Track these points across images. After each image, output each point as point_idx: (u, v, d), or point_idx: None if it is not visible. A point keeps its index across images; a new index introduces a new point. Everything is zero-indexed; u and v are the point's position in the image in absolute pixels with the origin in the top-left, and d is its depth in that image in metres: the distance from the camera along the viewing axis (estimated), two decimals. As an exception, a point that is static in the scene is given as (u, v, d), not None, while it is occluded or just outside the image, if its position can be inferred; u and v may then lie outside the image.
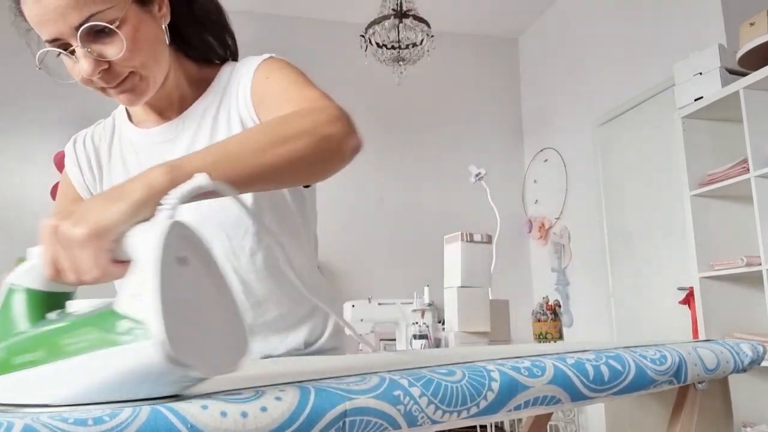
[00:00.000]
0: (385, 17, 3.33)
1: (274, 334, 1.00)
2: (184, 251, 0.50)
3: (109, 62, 0.82)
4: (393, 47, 3.46)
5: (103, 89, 0.86)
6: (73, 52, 0.81)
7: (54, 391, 0.45)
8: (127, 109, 1.03)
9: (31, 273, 0.52)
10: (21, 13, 0.80)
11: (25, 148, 3.94)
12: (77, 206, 0.53)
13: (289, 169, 0.66)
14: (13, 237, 3.57)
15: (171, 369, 0.44)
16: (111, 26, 0.79)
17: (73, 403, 0.45)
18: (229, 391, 0.45)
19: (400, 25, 3.35)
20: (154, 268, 0.46)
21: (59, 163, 3.93)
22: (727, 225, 2.68)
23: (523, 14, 4.72)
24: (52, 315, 0.51)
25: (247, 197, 0.90)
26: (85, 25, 0.77)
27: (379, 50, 3.47)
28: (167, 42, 0.89)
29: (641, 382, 0.70)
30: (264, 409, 0.43)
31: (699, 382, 0.79)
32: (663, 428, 0.83)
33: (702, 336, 2.58)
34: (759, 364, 0.85)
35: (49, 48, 0.81)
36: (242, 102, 0.93)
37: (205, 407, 0.40)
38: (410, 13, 3.33)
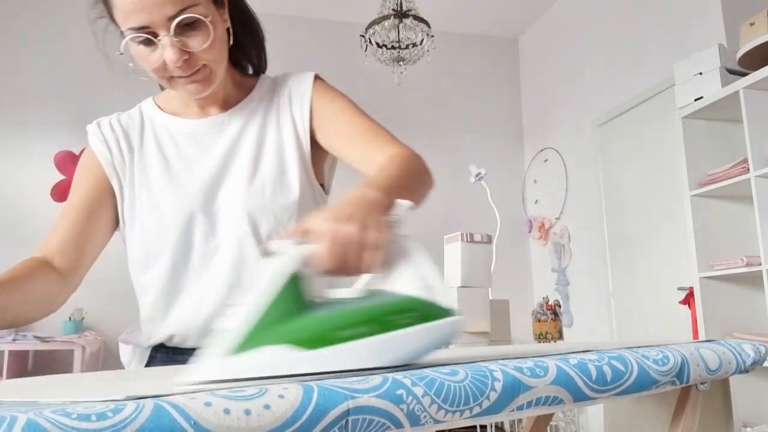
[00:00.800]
0: (385, 17, 3.33)
1: None
2: None
3: (190, 53, 0.90)
4: (393, 47, 3.46)
5: (171, 78, 0.93)
6: (148, 42, 0.88)
7: (386, 356, 0.59)
8: (156, 102, 1.08)
9: (302, 263, 0.61)
10: (105, 1, 0.88)
11: (25, 148, 3.94)
12: (355, 211, 0.65)
13: (419, 198, 0.87)
14: (13, 236, 3.57)
15: (460, 333, 0.66)
16: (205, 20, 0.88)
17: (402, 363, 0.60)
18: (232, 388, 0.44)
19: (400, 25, 3.36)
20: (433, 265, 0.66)
21: (59, 163, 3.93)
22: (727, 225, 2.68)
23: (523, 14, 4.72)
24: (319, 300, 0.62)
25: (296, 190, 1.01)
26: (180, 17, 0.86)
27: (379, 50, 3.48)
28: (229, 44, 0.98)
29: (644, 383, 0.70)
30: (267, 406, 0.43)
31: (701, 383, 0.78)
32: (662, 430, 0.83)
33: (702, 336, 2.58)
34: (761, 364, 0.85)
35: (135, 38, 0.87)
36: (297, 106, 1.03)
37: (208, 404, 0.40)
38: (410, 13, 3.34)
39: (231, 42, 0.97)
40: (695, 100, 2.70)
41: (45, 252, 0.96)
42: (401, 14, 3.32)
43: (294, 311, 0.58)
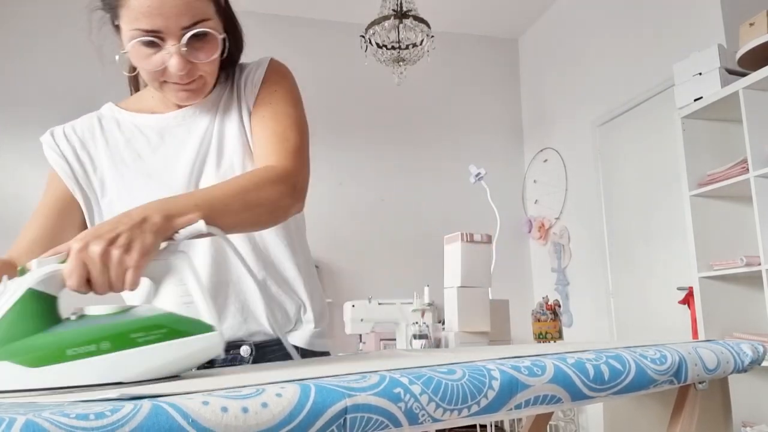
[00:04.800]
0: (385, 18, 3.33)
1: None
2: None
3: (192, 63, 0.92)
4: (393, 47, 3.46)
5: (164, 83, 0.94)
6: (153, 44, 0.88)
7: (128, 372, 0.60)
8: (119, 105, 1.08)
9: (48, 281, 0.62)
10: None
11: (24, 147, 3.94)
12: (109, 228, 0.67)
13: (249, 226, 0.88)
14: (11, 236, 3.56)
15: (221, 349, 0.68)
16: (217, 36, 0.91)
17: (146, 378, 0.61)
18: (230, 387, 0.45)
19: (400, 25, 3.36)
20: (201, 286, 0.69)
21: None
22: (726, 225, 2.68)
23: (523, 14, 4.72)
24: (71, 316, 0.63)
25: None
26: (194, 30, 0.88)
27: (379, 50, 3.48)
28: (223, 55, 0.98)
29: (641, 382, 0.70)
30: (265, 405, 0.43)
31: (699, 382, 0.79)
32: (661, 429, 0.83)
33: (702, 336, 2.58)
34: (759, 364, 0.85)
35: (141, 39, 0.87)
36: (250, 95, 1.03)
37: (206, 403, 0.40)
38: (410, 13, 3.33)
39: (226, 54, 0.97)
40: (695, 100, 2.70)
41: (13, 254, 0.95)
42: (401, 14, 3.32)
43: (30, 329, 0.59)
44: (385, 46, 3.45)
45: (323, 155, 4.28)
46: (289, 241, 1.05)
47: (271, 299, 1.03)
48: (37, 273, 0.62)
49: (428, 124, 4.71)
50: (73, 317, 0.63)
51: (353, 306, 2.32)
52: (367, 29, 3.43)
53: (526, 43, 4.99)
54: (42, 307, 0.61)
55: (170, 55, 0.89)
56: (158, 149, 1.02)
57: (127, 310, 0.66)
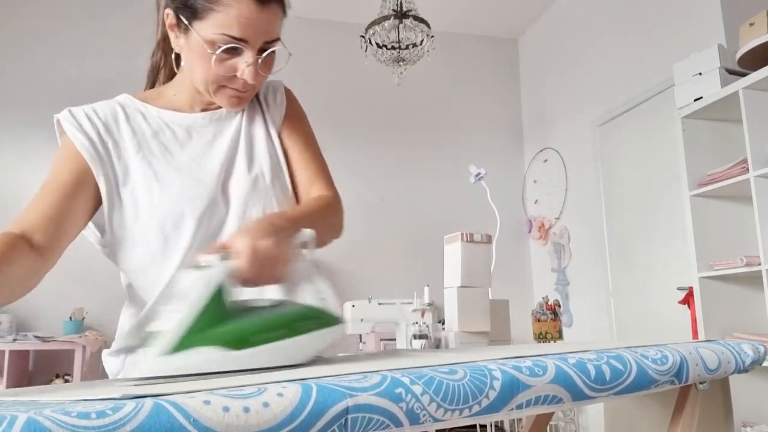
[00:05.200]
0: (385, 18, 3.33)
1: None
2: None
3: (261, 75, 0.99)
4: (393, 47, 3.46)
5: (222, 86, 1.00)
6: (233, 50, 0.95)
7: (295, 356, 0.70)
8: (137, 98, 1.10)
9: (228, 275, 0.71)
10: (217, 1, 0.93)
11: (24, 148, 3.94)
12: (268, 231, 0.78)
13: (318, 246, 0.93)
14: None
15: (345, 336, 0.80)
16: (290, 52, 1.00)
17: (305, 362, 0.71)
18: (231, 387, 0.45)
19: (400, 25, 3.35)
20: (328, 282, 0.81)
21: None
22: (726, 225, 2.68)
23: (523, 14, 4.72)
24: (237, 305, 0.72)
25: (286, 180, 1.12)
26: (273, 47, 0.98)
27: (379, 50, 3.48)
28: None
29: (642, 382, 0.70)
30: (266, 404, 0.43)
31: (700, 383, 0.79)
32: (662, 429, 0.83)
33: (702, 336, 2.58)
34: (760, 364, 0.85)
35: (231, 43, 0.94)
36: (275, 112, 1.13)
37: (207, 402, 0.40)
38: (410, 13, 3.33)
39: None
40: (695, 100, 2.70)
41: (23, 227, 0.90)
42: (401, 14, 3.32)
43: (221, 317, 0.68)
44: (385, 46, 3.45)
45: (323, 155, 4.28)
46: None
47: None
48: (221, 268, 0.70)
49: (428, 124, 4.71)
50: (241, 307, 0.72)
51: (353, 306, 2.32)
52: (367, 29, 3.43)
53: (526, 43, 4.99)
54: (224, 298, 0.69)
55: (247, 65, 0.96)
56: (186, 145, 1.04)
57: (283, 303, 0.78)
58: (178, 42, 1.00)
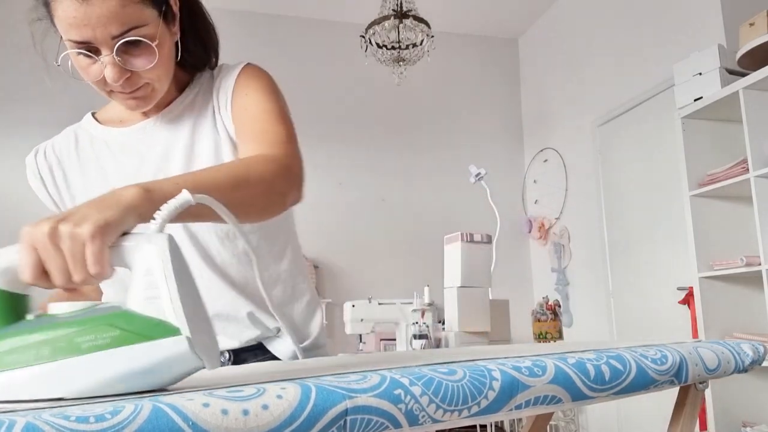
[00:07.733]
0: (385, 18, 3.33)
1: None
2: (178, 261, 0.54)
3: (132, 72, 0.87)
4: (393, 47, 3.46)
5: (111, 92, 0.91)
6: (89, 55, 0.85)
7: (69, 386, 0.48)
8: (96, 117, 1.06)
9: (5, 275, 0.53)
10: (47, 5, 0.83)
11: (24, 148, 3.94)
12: (66, 212, 0.56)
13: (240, 211, 0.70)
14: (11, 237, 3.56)
15: (193, 360, 0.50)
16: (151, 43, 0.85)
17: (90, 395, 0.48)
18: (230, 388, 0.45)
19: (400, 25, 3.35)
20: (171, 276, 0.52)
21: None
22: (726, 225, 2.68)
23: (523, 14, 4.72)
24: (29, 316, 0.53)
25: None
26: (124, 38, 0.83)
27: (379, 50, 3.48)
28: (176, 58, 0.95)
29: (642, 382, 0.70)
30: (265, 407, 0.43)
31: (700, 383, 0.79)
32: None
33: (701, 336, 2.58)
34: (760, 364, 0.85)
35: (75, 50, 0.84)
36: (223, 107, 0.99)
37: (206, 405, 0.40)
38: (410, 13, 3.33)
39: (179, 56, 0.94)
40: (695, 100, 2.70)
41: None
42: (401, 14, 3.32)
43: None
44: (385, 46, 3.45)
45: (323, 155, 4.28)
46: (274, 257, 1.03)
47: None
48: None
49: (428, 124, 4.71)
50: (30, 317, 0.53)
51: (353, 306, 2.32)
52: (367, 29, 3.43)
53: (526, 43, 4.99)
54: (5, 308, 0.52)
55: (104, 66, 0.85)
56: (120, 166, 1.00)
57: (91, 307, 0.53)
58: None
